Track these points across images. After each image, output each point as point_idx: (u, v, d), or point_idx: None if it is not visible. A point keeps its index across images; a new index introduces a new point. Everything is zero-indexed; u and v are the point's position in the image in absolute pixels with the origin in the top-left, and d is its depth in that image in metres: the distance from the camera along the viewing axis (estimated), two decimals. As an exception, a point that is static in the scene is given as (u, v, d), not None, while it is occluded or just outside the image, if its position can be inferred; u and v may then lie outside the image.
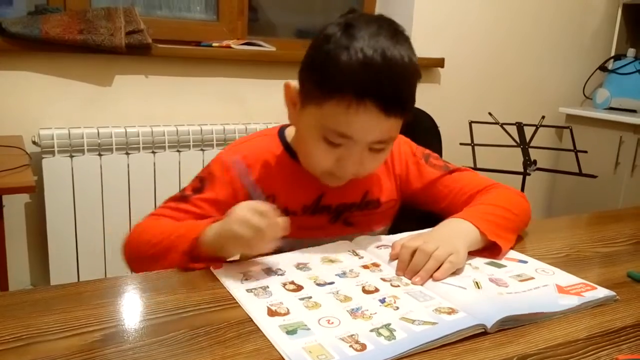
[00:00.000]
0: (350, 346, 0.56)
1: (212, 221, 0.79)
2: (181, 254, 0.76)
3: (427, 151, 1.04)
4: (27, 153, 1.51)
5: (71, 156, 1.76)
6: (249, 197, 0.86)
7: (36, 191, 1.57)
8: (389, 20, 0.83)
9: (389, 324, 0.61)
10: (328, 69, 0.78)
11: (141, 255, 0.81)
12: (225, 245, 0.76)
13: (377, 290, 0.70)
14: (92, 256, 1.85)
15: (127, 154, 1.84)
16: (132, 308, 0.65)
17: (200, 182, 0.91)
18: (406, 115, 0.83)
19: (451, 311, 0.64)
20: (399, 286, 0.71)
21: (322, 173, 0.88)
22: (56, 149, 1.72)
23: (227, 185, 0.90)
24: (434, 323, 0.61)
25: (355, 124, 0.79)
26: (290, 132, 0.97)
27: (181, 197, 0.90)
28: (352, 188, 0.94)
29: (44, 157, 1.72)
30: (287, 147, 0.95)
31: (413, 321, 0.61)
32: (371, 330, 0.59)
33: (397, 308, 0.65)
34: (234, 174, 0.90)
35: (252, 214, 0.73)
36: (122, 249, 0.87)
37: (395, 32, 0.81)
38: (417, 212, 1.03)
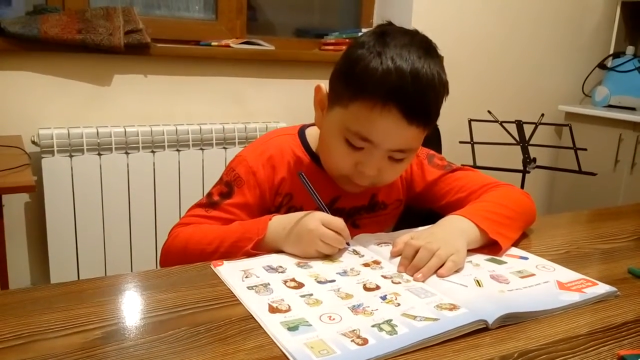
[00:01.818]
0: (352, 341, 0.56)
1: (269, 219, 0.82)
2: (243, 254, 0.80)
3: (432, 152, 1.04)
4: (26, 153, 1.51)
5: (70, 156, 1.76)
6: (274, 197, 0.93)
7: (36, 191, 1.57)
8: (423, 36, 0.85)
9: (391, 320, 0.61)
10: (358, 71, 0.81)
11: (193, 261, 0.79)
12: (295, 250, 0.79)
13: (378, 287, 0.70)
14: (92, 255, 1.85)
15: (127, 153, 1.84)
16: (132, 306, 0.65)
17: (227, 187, 0.92)
18: (428, 128, 0.84)
19: (452, 307, 0.64)
20: (400, 283, 0.71)
21: (340, 177, 0.90)
22: (55, 148, 1.72)
23: (254, 188, 0.91)
24: (435, 319, 0.61)
25: (377, 127, 0.80)
26: (310, 133, 0.98)
27: (210, 204, 0.91)
28: (362, 191, 0.94)
29: (43, 157, 1.72)
30: (307, 147, 0.96)
31: (414, 317, 0.61)
32: (373, 326, 0.59)
33: (399, 304, 0.65)
34: (261, 176, 0.92)
35: (333, 234, 0.78)
36: (162, 257, 0.88)
37: (428, 47, 0.83)
38: (421, 211, 1.03)
